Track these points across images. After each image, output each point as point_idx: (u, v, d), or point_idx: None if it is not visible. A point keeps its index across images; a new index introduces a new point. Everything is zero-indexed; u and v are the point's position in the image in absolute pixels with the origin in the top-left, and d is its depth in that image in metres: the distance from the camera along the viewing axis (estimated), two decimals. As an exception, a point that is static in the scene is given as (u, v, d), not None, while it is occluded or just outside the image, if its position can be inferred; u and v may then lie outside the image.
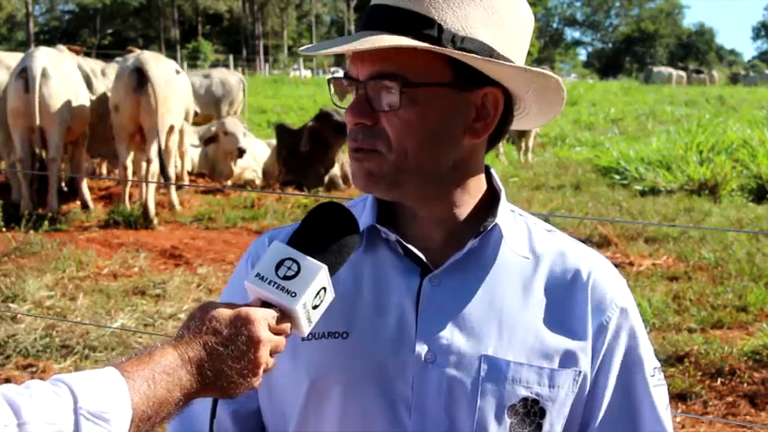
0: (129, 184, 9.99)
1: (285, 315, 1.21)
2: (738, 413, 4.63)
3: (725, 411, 4.65)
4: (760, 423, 4.53)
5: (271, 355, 1.20)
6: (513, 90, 1.34)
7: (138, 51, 10.39)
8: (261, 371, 1.18)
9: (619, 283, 1.42)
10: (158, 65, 9.67)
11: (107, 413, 1.05)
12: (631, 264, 7.56)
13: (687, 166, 12.11)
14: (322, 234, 1.25)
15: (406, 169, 1.29)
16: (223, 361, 1.15)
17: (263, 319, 1.18)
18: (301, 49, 1.34)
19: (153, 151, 9.43)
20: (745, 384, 4.94)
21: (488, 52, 1.28)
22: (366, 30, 1.28)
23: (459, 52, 1.25)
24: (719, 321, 6.03)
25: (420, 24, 1.26)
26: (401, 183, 1.31)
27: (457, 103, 1.30)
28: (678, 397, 4.74)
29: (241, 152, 11.43)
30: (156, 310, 6.09)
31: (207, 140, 11.66)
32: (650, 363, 1.41)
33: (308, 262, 1.21)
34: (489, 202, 1.40)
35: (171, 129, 9.81)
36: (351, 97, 1.34)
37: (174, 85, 9.81)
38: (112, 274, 7.20)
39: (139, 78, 9.36)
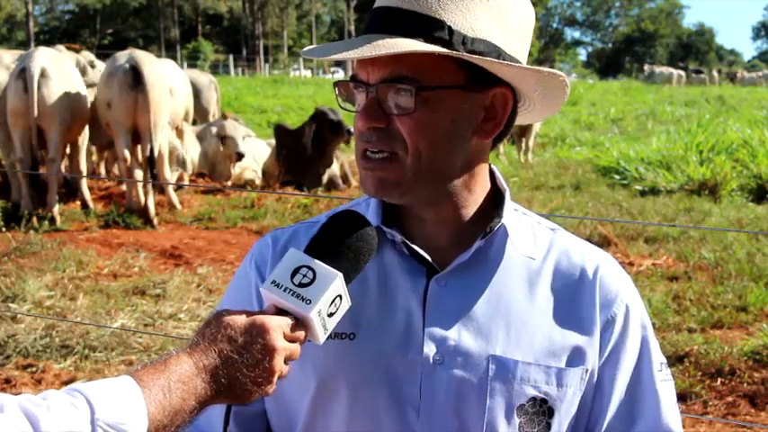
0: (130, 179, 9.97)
1: (300, 322, 1.21)
2: (738, 413, 4.63)
3: (725, 411, 4.64)
4: (760, 423, 4.53)
5: (285, 362, 1.20)
6: (521, 90, 1.35)
7: (130, 49, 10.34)
8: (275, 378, 1.19)
9: (624, 279, 1.43)
10: (152, 63, 9.67)
11: (124, 424, 1.05)
12: (631, 264, 7.56)
13: (687, 166, 12.11)
14: (339, 242, 1.25)
15: (420, 173, 1.29)
16: (238, 369, 1.15)
17: (278, 327, 1.18)
18: (305, 50, 1.33)
19: (148, 150, 9.43)
20: (745, 384, 4.94)
21: (497, 53, 1.28)
22: (373, 32, 1.28)
23: (476, 56, 1.25)
24: (719, 321, 6.03)
25: (430, 27, 1.25)
26: (414, 188, 1.31)
27: (468, 104, 1.30)
28: (678, 397, 4.72)
29: (239, 156, 11.48)
30: (156, 310, 6.09)
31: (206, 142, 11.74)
32: (657, 358, 1.42)
33: (324, 269, 1.21)
34: (494, 201, 1.40)
35: (162, 128, 9.80)
36: (357, 101, 1.34)
37: (167, 83, 9.81)
38: (112, 274, 7.20)
39: (135, 76, 9.35)
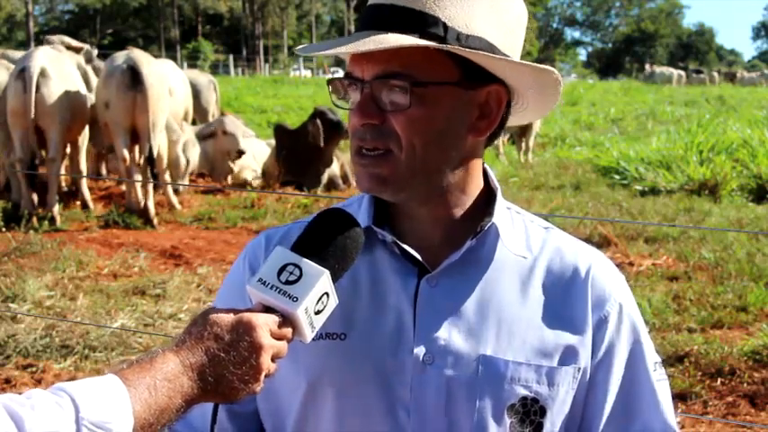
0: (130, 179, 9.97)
1: (287, 320, 1.21)
2: (738, 413, 4.62)
3: (725, 411, 4.64)
4: (760, 423, 4.53)
5: (273, 360, 1.20)
6: (516, 87, 1.35)
7: (128, 49, 10.33)
8: (262, 376, 1.18)
9: (617, 278, 1.42)
10: (151, 64, 9.66)
11: (109, 423, 1.05)
12: (631, 264, 7.56)
13: (687, 166, 12.10)
14: (325, 240, 1.25)
15: (414, 169, 1.29)
16: (225, 367, 1.15)
17: (264, 324, 1.18)
18: (298, 48, 1.33)
19: (147, 150, 9.44)
20: (745, 384, 4.94)
21: (491, 49, 1.28)
22: (367, 29, 1.27)
23: (472, 51, 1.25)
24: (719, 321, 6.03)
25: (425, 23, 1.25)
26: (408, 184, 1.31)
27: (463, 101, 1.30)
28: (678, 397, 4.74)
29: (240, 153, 11.46)
30: (156, 310, 6.09)
31: (204, 137, 11.65)
32: (651, 357, 1.41)
33: (310, 267, 1.21)
34: (486, 200, 1.40)
35: (161, 128, 9.80)
36: (350, 98, 1.33)
37: (166, 83, 9.80)
38: (112, 274, 7.20)
39: (133, 76, 9.34)
